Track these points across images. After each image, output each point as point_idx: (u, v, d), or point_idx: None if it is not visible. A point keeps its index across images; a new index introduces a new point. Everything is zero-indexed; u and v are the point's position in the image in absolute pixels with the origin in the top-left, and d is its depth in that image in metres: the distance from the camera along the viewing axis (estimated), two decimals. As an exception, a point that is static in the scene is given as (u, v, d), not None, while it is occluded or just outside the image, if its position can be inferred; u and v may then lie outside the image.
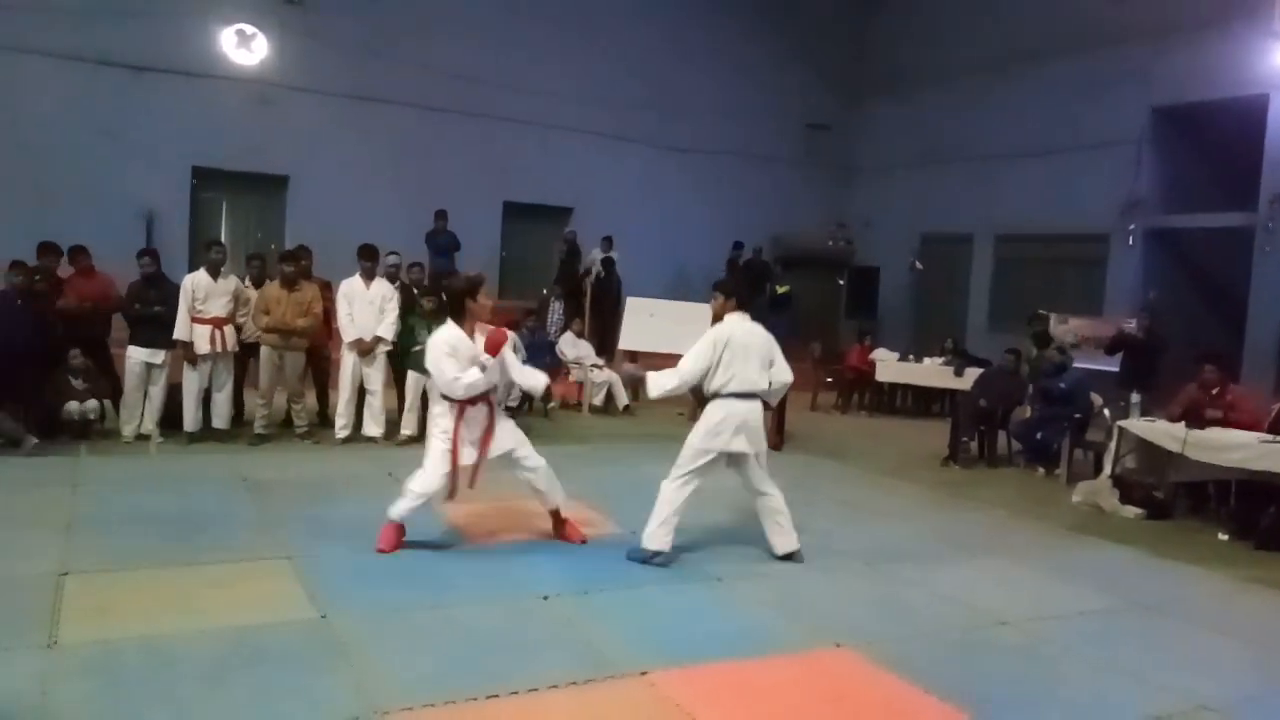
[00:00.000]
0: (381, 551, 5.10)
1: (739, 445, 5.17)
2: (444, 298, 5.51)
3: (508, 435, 5.31)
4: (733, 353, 5.16)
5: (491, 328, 5.18)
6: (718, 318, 5.40)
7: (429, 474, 5.15)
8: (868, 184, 17.21)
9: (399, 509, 5.15)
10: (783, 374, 5.33)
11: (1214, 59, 11.77)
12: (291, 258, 8.19)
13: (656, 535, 5.17)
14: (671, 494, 5.20)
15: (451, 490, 5.20)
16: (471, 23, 13.82)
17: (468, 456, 5.16)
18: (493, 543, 5.46)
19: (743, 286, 5.99)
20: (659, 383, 5.29)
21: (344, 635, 3.98)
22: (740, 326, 5.26)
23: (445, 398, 5.15)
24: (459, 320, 5.18)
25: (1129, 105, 12.70)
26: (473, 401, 5.12)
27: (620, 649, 4.01)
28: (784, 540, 5.37)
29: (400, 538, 5.20)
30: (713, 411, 5.20)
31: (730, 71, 15.90)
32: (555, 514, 5.53)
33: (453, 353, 5.03)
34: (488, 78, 13.77)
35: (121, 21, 11.67)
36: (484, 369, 5.03)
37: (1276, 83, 11.16)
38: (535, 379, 5.45)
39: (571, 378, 11.11)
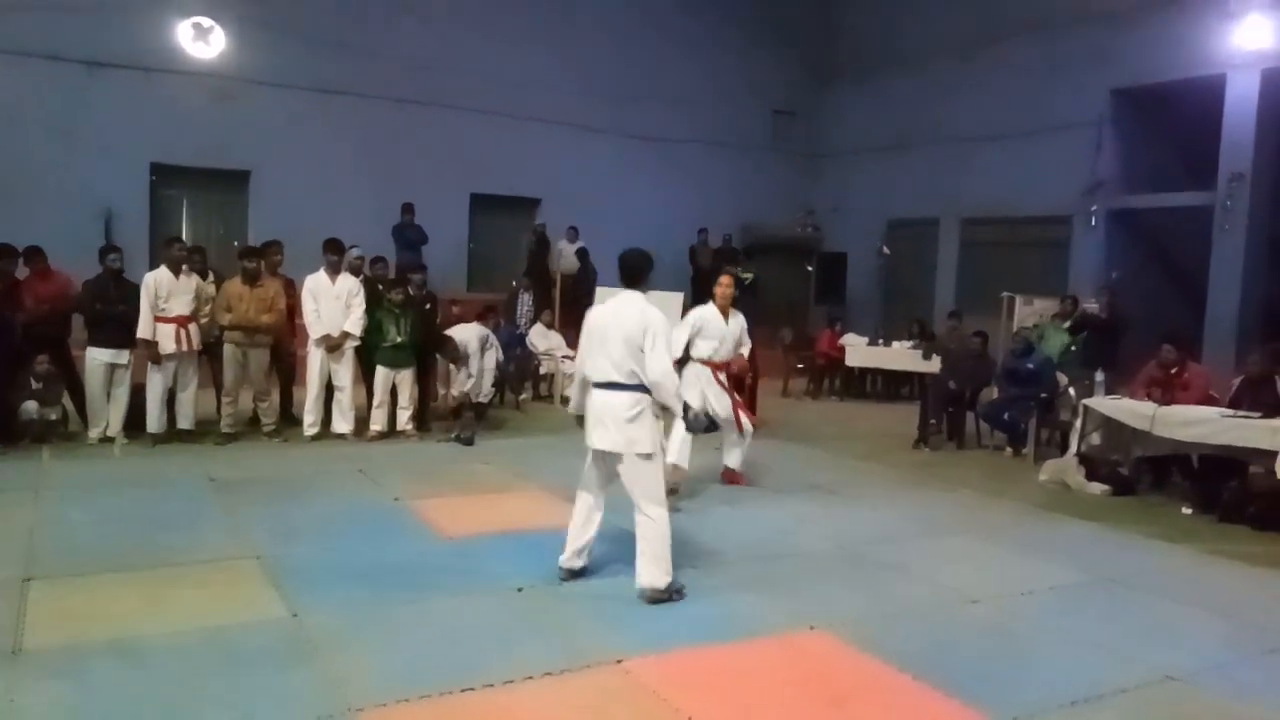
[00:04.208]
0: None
1: (597, 442, 4.52)
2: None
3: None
4: (590, 339, 4.56)
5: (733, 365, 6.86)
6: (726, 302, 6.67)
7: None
8: (834, 170, 17.28)
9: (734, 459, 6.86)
10: (653, 367, 4.36)
11: (1172, 40, 11.93)
12: (253, 254, 8.07)
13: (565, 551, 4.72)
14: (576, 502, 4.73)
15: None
16: (436, 12, 13.69)
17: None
18: (464, 536, 5.43)
19: (625, 262, 4.67)
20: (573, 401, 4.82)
21: (315, 633, 3.94)
22: (607, 308, 4.57)
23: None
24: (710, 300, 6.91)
25: (1089, 87, 12.85)
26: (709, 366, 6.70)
27: (595, 638, 4.01)
28: (643, 571, 4.44)
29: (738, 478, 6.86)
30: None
31: (697, 59, 15.89)
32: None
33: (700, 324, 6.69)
34: (453, 68, 13.65)
35: (72, 15, 11.43)
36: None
37: (1233, 62, 11.33)
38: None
39: (543, 370, 11.10)
